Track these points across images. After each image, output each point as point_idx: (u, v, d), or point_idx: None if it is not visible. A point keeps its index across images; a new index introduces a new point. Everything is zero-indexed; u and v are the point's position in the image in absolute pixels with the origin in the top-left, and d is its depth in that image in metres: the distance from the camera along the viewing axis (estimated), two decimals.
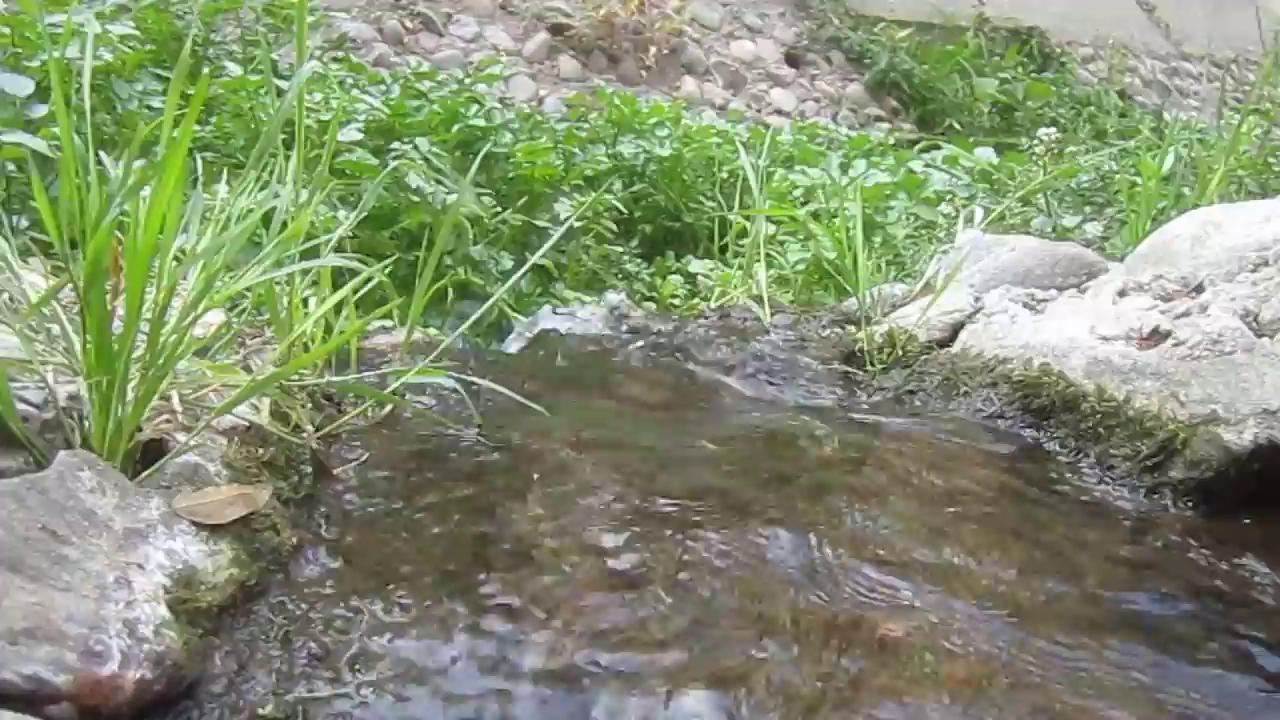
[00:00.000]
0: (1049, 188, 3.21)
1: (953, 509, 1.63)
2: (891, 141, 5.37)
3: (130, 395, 1.09)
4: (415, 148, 3.28)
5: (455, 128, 3.67)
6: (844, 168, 4.30)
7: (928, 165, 4.03)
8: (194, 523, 1.09)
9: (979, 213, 3.02)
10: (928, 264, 2.74)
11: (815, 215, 3.56)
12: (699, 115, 7.38)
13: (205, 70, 3.28)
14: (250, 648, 1.05)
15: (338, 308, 1.61)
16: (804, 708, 1.13)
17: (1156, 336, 1.82)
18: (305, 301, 1.62)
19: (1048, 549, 1.55)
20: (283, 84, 3.15)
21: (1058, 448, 1.84)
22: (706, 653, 1.19)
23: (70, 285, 1.02)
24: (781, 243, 3.63)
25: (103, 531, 0.98)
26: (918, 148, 4.96)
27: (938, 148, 4.88)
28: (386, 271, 2.61)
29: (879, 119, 9.37)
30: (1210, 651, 1.35)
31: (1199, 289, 2.00)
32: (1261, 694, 1.26)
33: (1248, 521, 1.64)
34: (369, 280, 1.59)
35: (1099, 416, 1.79)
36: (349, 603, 1.17)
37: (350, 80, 3.71)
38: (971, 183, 3.78)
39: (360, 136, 2.99)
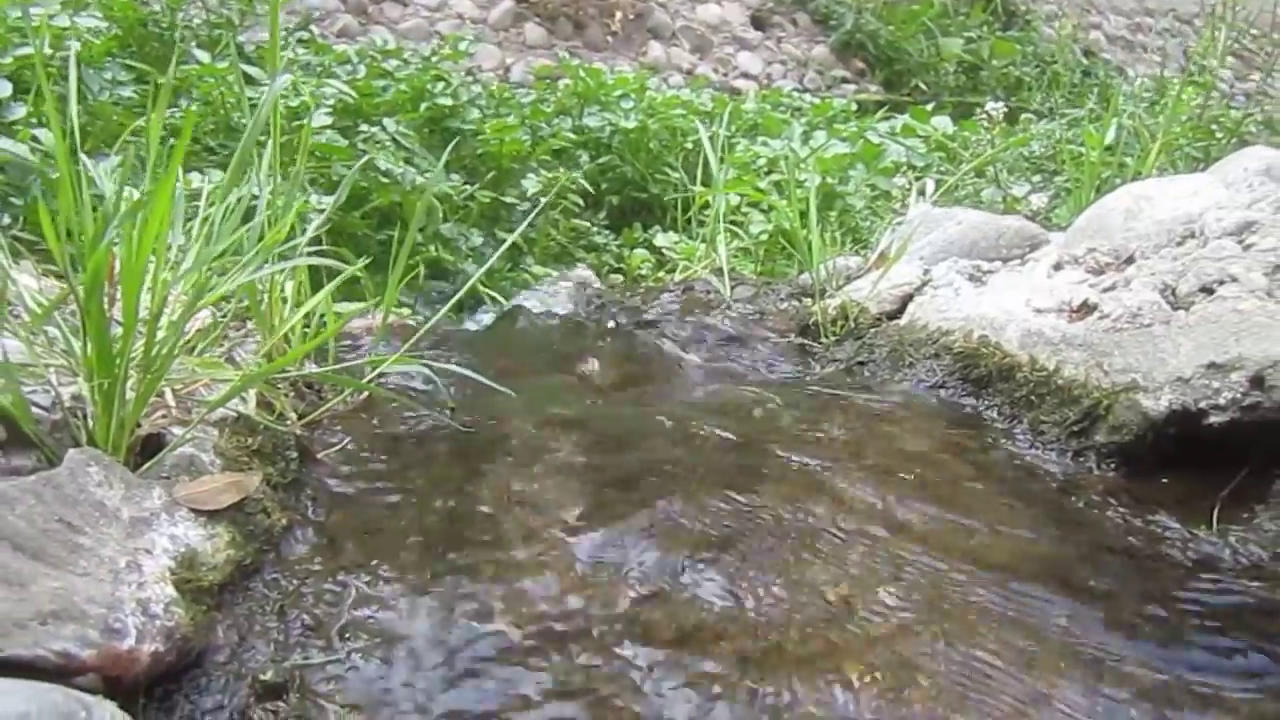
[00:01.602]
0: (998, 160, 3.32)
1: (894, 475, 1.76)
2: (854, 107, 5.45)
3: (130, 395, 1.19)
4: (383, 128, 3.35)
5: (423, 106, 3.73)
6: (806, 137, 4.39)
7: (886, 135, 4.12)
8: (193, 509, 1.20)
9: (930, 185, 3.13)
10: (882, 236, 2.85)
11: (778, 185, 3.65)
12: (665, 81, 7.44)
13: (173, 59, 3.31)
14: (249, 621, 1.16)
15: (315, 293, 1.71)
16: (754, 662, 1.26)
17: (1085, 309, 1.95)
18: (282, 289, 1.71)
19: (979, 511, 1.68)
20: (250, 70, 3.21)
21: (994, 415, 1.97)
22: (669, 615, 1.31)
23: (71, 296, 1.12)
24: (745, 214, 3.72)
25: (112, 521, 1.09)
26: (880, 113, 5.05)
27: (902, 111, 4.97)
28: (359, 250, 2.70)
29: (845, 80, 9.44)
30: (1120, 602, 1.48)
31: (1129, 261, 2.12)
32: (1160, 640, 1.39)
33: (1165, 481, 1.77)
34: (346, 265, 1.68)
35: (1031, 385, 1.92)
36: (337, 578, 1.28)
37: (316, 63, 3.75)
38: (928, 152, 3.88)
39: (329, 121, 3.05)
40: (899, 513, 1.65)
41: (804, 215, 2.77)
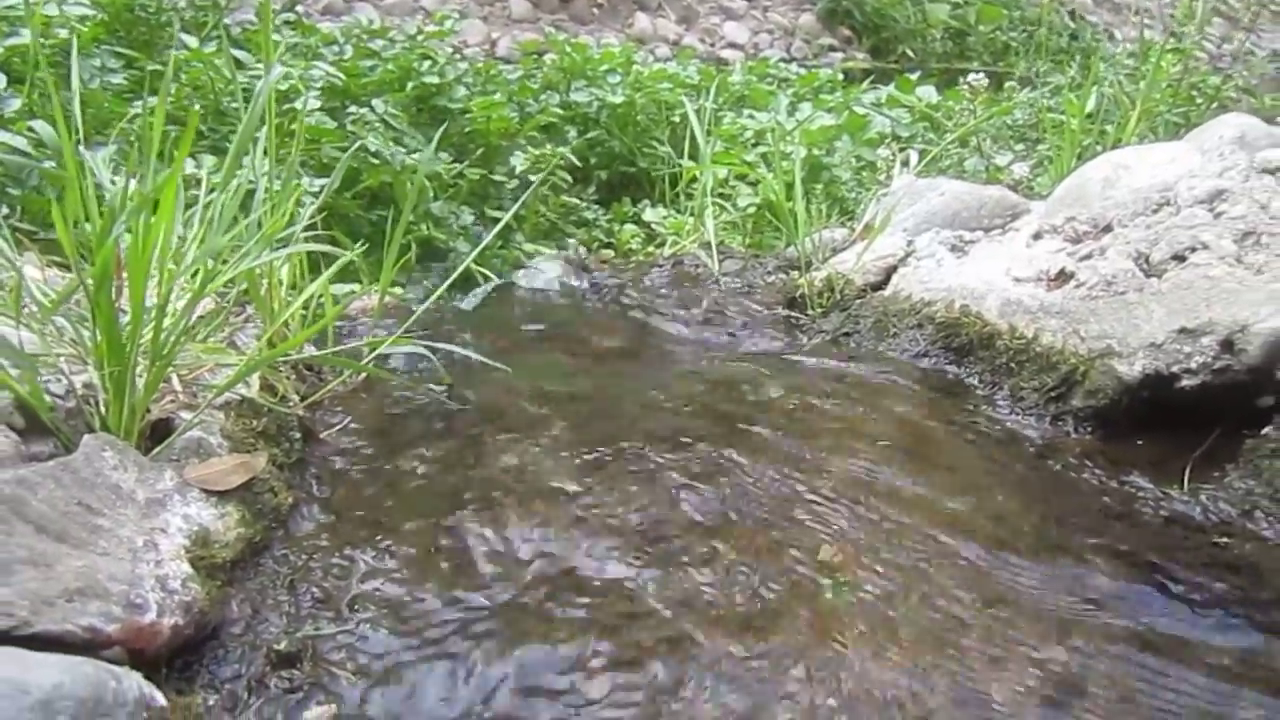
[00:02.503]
0: (981, 129, 3.36)
1: (878, 441, 1.82)
2: (841, 76, 5.47)
3: (139, 381, 1.24)
4: (372, 109, 3.37)
5: (410, 86, 3.76)
6: (792, 108, 4.42)
7: (871, 106, 4.16)
8: (203, 490, 1.26)
9: (914, 156, 3.17)
10: (867, 208, 2.90)
11: (765, 157, 3.69)
12: (652, 53, 7.43)
13: (162, 44, 3.34)
14: (262, 595, 1.22)
15: (313, 275, 1.75)
16: (738, 624, 1.32)
17: (1062, 278, 2.00)
18: (279, 273, 1.76)
19: (961, 474, 1.74)
20: (238, 54, 3.23)
21: (976, 382, 2.03)
22: (663, 581, 1.37)
23: (81, 288, 1.17)
24: (733, 187, 3.76)
25: (128, 503, 1.14)
26: (866, 83, 5.07)
27: (888, 80, 5.00)
28: (350, 230, 2.73)
29: (832, 49, 9.44)
30: (1095, 559, 1.55)
31: (1107, 229, 2.17)
32: (1132, 594, 1.46)
33: (1140, 443, 1.83)
34: (335, 242, 1.73)
35: (1011, 353, 1.98)
36: (343, 552, 1.34)
37: (303, 45, 3.77)
38: (912, 123, 3.92)
39: (318, 105, 3.08)
40: (883, 478, 1.71)
41: (790, 188, 2.81)
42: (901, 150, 3.20)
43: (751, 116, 4.25)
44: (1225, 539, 1.60)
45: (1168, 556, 1.56)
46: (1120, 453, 1.81)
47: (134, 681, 0.93)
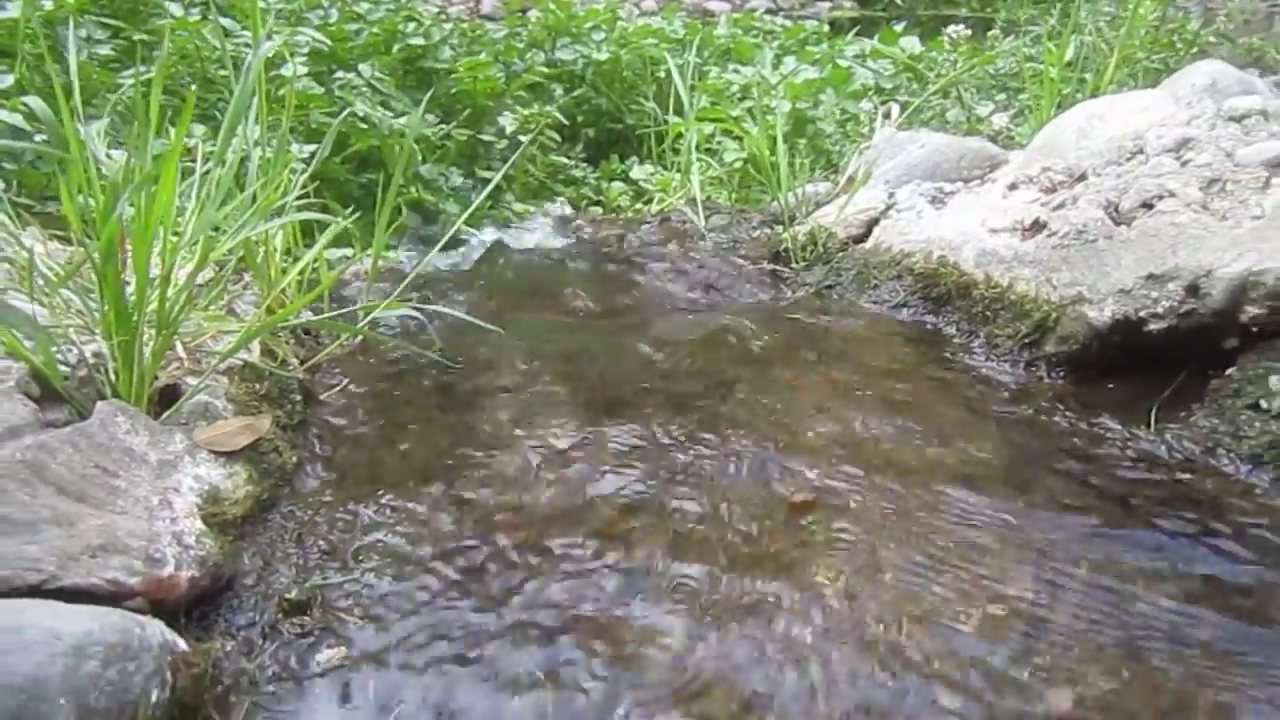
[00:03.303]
0: (962, 80, 3.39)
1: (859, 390, 1.89)
2: (827, 28, 5.47)
3: (146, 350, 1.30)
4: (359, 74, 3.40)
5: (395, 48, 3.77)
6: (777, 62, 4.44)
7: (855, 58, 4.18)
8: (212, 451, 1.32)
9: (895, 108, 3.21)
10: (850, 161, 2.94)
11: (751, 112, 3.72)
12: (638, 6, 7.40)
13: (144, 12, 3.35)
14: (271, 548, 1.29)
15: (306, 240, 1.81)
16: (727, 562, 1.39)
17: (1036, 228, 2.06)
18: (274, 242, 1.81)
19: (938, 420, 1.81)
20: (224, 21, 3.24)
21: (953, 331, 2.10)
22: (654, 525, 1.44)
23: (88, 261, 1.22)
24: (720, 143, 3.80)
25: (142, 465, 1.20)
26: (851, 34, 5.08)
27: (878, 27, 5.01)
28: (340, 195, 2.77)
29: None
30: (1069, 498, 1.62)
31: (1081, 179, 2.22)
32: (1100, 528, 1.53)
33: (1110, 387, 1.90)
34: (326, 210, 1.78)
35: (987, 302, 2.04)
36: (347, 506, 1.41)
37: (288, 9, 3.77)
38: (895, 74, 3.95)
39: (305, 70, 3.10)
40: (864, 424, 1.78)
41: (774, 143, 2.85)
42: (884, 103, 3.24)
43: (737, 71, 4.27)
44: (1189, 475, 1.67)
45: (1134, 493, 1.63)
46: (1091, 396, 1.88)
47: (157, 629, 1.00)
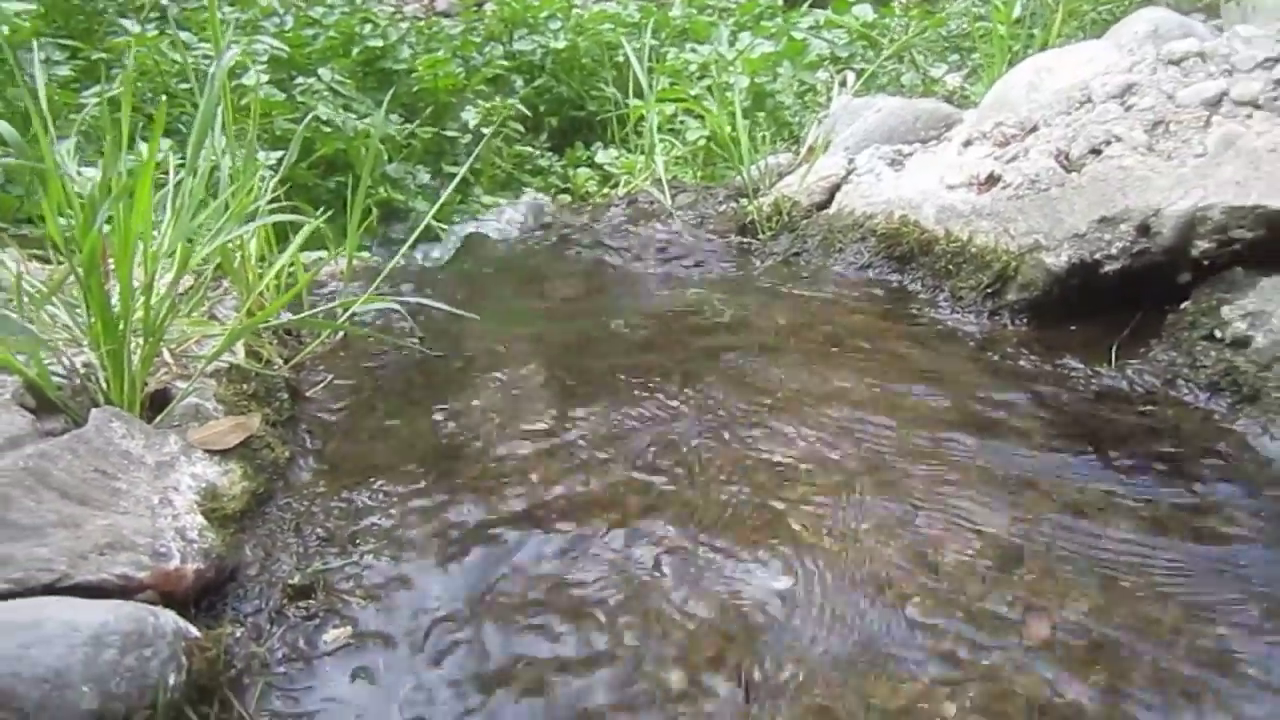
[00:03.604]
0: (915, 44, 3.44)
1: (831, 350, 1.95)
2: (781, 1, 5.51)
3: (135, 358, 1.34)
4: (319, 78, 3.42)
5: (354, 51, 3.80)
6: (733, 39, 4.48)
7: (810, 29, 4.22)
8: (206, 450, 1.36)
9: (851, 76, 3.26)
10: (809, 131, 2.99)
11: (710, 89, 3.76)
12: None
13: (99, 30, 3.36)
14: (271, 539, 1.34)
15: (280, 245, 1.84)
16: (708, 524, 1.44)
17: (991, 181, 2.12)
18: (249, 248, 1.84)
19: (908, 372, 1.87)
20: (182, 35, 3.26)
21: (918, 287, 2.16)
22: (636, 494, 1.49)
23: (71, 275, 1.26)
24: (682, 122, 3.84)
25: (140, 466, 1.25)
26: (807, 3, 5.11)
27: (825, 4, 5.05)
28: (309, 199, 2.80)
29: None
30: (1034, 435, 1.68)
31: (1033, 131, 2.28)
32: (1068, 463, 1.59)
33: (1072, 329, 1.97)
34: (298, 212, 1.82)
35: (949, 256, 2.10)
36: (341, 496, 1.45)
37: (244, 18, 3.79)
38: (850, 43, 4.00)
39: (265, 79, 3.12)
40: (837, 382, 1.84)
41: (734, 118, 2.90)
42: (839, 72, 3.29)
43: (694, 50, 4.30)
44: (1151, 407, 1.74)
45: (1100, 427, 1.70)
46: (1054, 339, 1.95)
47: (169, 617, 1.04)
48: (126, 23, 3.24)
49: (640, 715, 1.10)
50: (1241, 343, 1.70)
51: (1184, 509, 1.50)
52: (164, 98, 2.52)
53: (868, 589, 1.32)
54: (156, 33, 3.20)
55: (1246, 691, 1.15)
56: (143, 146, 2.48)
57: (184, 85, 3.17)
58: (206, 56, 3.08)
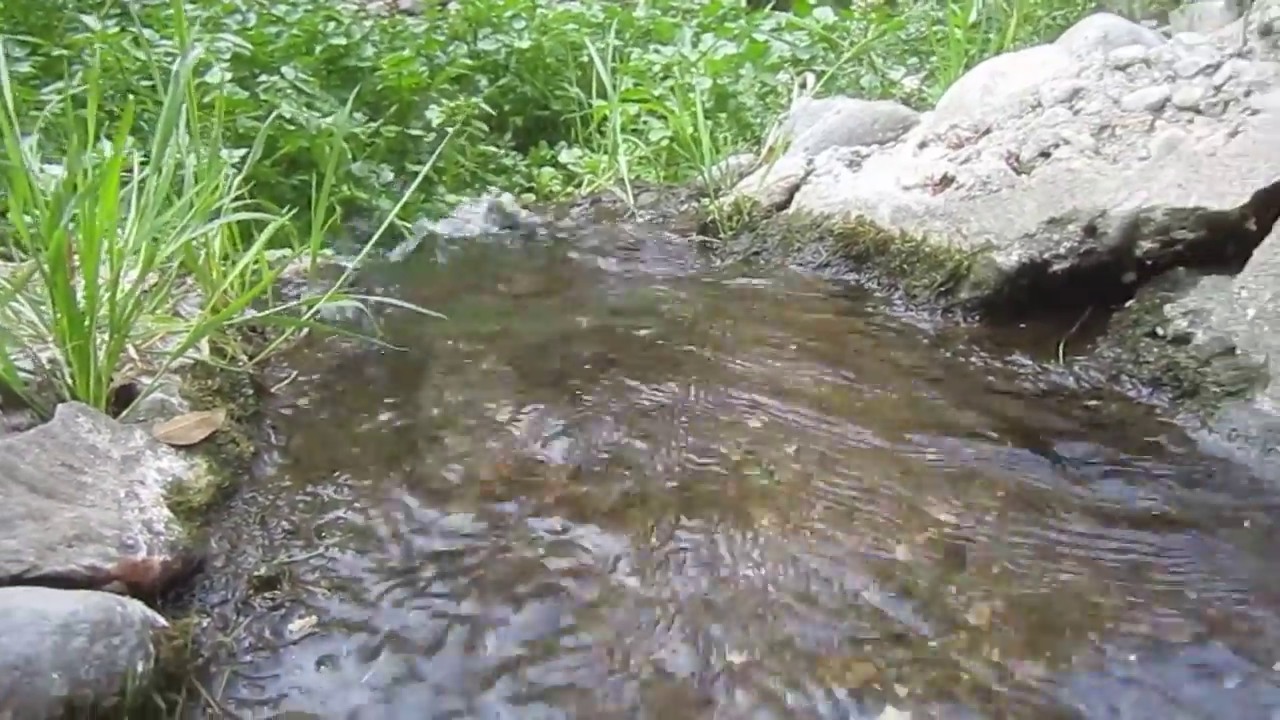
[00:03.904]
0: (874, 47, 3.51)
1: (788, 348, 1.99)
2: (744, 3, 5.56)
3: (100, 354, 1.36)
4: (282, 76, 3.42)
5: (317, 49, 3.80)
6: (696, 40, 4.52)
7: (772, 31, 4.28)
8: (172, 445, 1.38)
9: (811, 78, 3.32)
10: (770, 132, 3.04)
11: (673, 89, 3.80)
12: None
13: (59, 27, 3.34)
14: (237, 532, 1.36)
15: (244, 243, 1.86)
16: (673, 511, 1.48)
17: (945, 182, 2.17)
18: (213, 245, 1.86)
19: (864, 369, 1.92)
20: (140, 31, 3.25)
21: (874, 286, 2.21)
22: (598, 487, 1.53)
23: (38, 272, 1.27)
24: (645, 122, 3.88)
25: (106, 461, 1.26)
26: (770, 5, 5.17)
27: (791, 1, 5.11)
28: (273, 197, 2.81)
29: None
30: (986, 432, 1.73)
31: (987, 133, 2.34)
32: (1015, 457, 1.65)
33: (1022, 327, 2.02)
34: (261, 210, 1.84)
35: (903, 256, 2.15)
36: (305, 489, 1.47)
37: (206, 16, 3.77)
38: (811, 45, 4.05)
39: (228, 77, 3.12)
40: (794, 379, 1.88)
41: (696, 119, 2.94)
42: (799, 74, 3.34)
43: (658, 51, 4.34)
44: (1096, 402, 1.80)
45: (1046, 422, 1.75)
46: (1004, 336, 2.00)
47: (137, 607, 1.06)
48: (88, 19, 3.23)
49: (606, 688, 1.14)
50: (1182, 340, 1.77)
51: (1125, 500, 1.56)
52: (131, 97, 2.52)
53: (820, 577, 1.36)
54: (118, 30, 3.18)
55: (1182, 674, 1.21)
56: (105, 144, 2.48)
57: (146, 83, 3.16)
58: (169, 54, 3.08)
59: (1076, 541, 1.47)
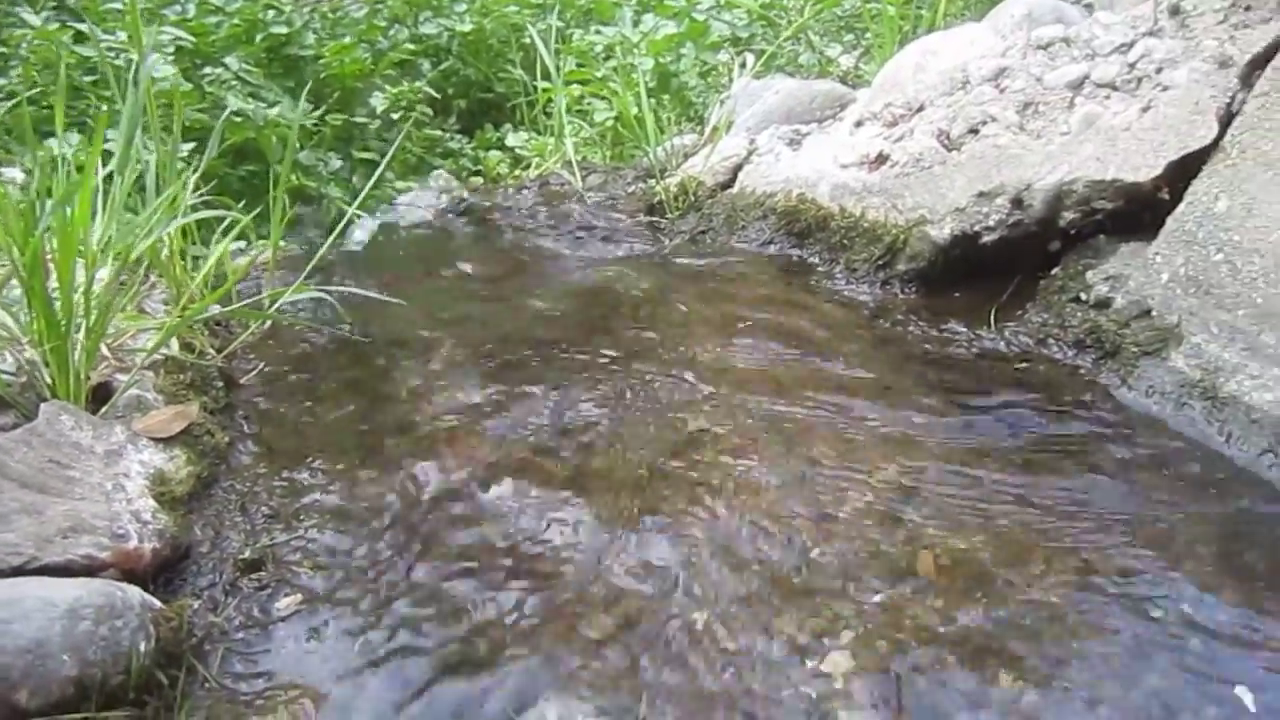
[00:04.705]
0: (811, 25, 3.59)
1: (736, 323, 2.08)
2: None
3: (78, 353, 1.41)
4: (226, 67, 3.42)
5: (259, 38, 3.79)
6: (637, 20, 4.57)
7: (711, 10, 4.34)
8: (151, 438, 1.44)
9: (750, 58, 3.40)
10: (712, 112, 3.12)
11: (615, 70, 3.86)
12: None
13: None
14: (219, 519, 1.42)
15: (200, 235, 1.91)
16: (635, 485, 1.56)
17: (880, 160, 2.27)
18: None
19: (808, 341, 2.02)
20: (80, 26, 3.24)
21: (816, 261, 2.31)
22: (563, 462, 1.61)
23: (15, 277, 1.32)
24: (590, 104, 3.93)
25: (90, 456, 1.32)
26: None
27: None
28: (221, 188, 2.83)
29: None
30: (922, 396, 1.84)
31: (920, 111, 2.44)
32: (953, 419, 1.76)
33: (956, 296, 2.13)
34: (216, 204, 1.89)
35: (843, 231, 2.25)
36: (282, 475, 1.54)
37: (143, 6, 3.75)
38: (750, 23, 4.13)
39: (172, 71, 3.12)
40: (742, 352, 1.98)
41: (640, 100, 3.01)
42: (739, 53, 3.42)
43: (599, 31, 4.39)
44: (1025, 364, 1.92)
45: (980, 384, 1.87)
46: (940, 305, 2.11)
47: (135, 592, 1.13)
48: (25, 14, 3.20)
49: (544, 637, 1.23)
50: (1104, 304, 1.89)
51: (1054, 453, 1.68)
52: (104, 107, 2.53)
53: (774, 537, 1.46)
54: (58, 25, 3.16)
55: (1109, 608, 1.32)
56: (50, 141, 2.49)
57: (88, 78, 3.15)
58: (111, 49, 3.07)
59: (1010, 492, 1.58)
